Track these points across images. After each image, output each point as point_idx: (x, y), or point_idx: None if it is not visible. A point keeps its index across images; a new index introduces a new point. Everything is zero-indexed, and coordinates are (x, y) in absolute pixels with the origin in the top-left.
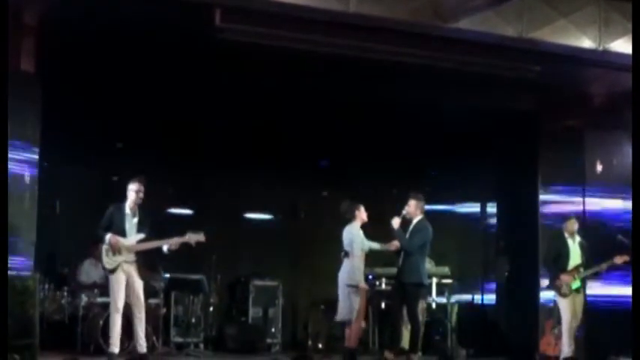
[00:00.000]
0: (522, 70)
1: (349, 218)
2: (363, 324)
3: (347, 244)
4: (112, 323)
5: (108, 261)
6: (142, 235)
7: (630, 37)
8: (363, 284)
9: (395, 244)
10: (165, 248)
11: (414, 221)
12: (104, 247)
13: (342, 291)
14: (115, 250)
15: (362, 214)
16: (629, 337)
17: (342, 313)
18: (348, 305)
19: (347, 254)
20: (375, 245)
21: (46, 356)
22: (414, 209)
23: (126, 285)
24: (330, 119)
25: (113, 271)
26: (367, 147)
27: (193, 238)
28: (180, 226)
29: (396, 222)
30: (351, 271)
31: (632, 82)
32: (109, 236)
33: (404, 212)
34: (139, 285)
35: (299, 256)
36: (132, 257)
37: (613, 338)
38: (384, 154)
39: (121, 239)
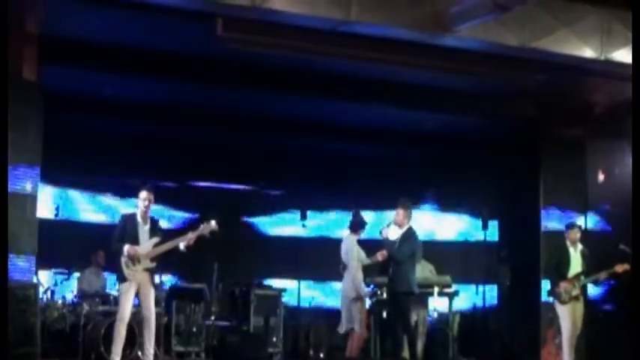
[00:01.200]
0: (524, 79)
1: (352, 229)
2: (364, 333)
3: (344, 256)
4: (116, 332)
5: (129, 272)
6: (156, 239)
7: (631, 46)
8: (363, 291)
9: (383, 253)
10: (182, 246)
11: (403, 230)
12: (122, 259)
13: (343, 303)
14: (135, 260)
15: (360, 232)
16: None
17: (344, 324)
18: (350, 316)
19: (345, 267)
20: (367, 260)
21: None
22: (402, 218)
23: (138, 294)
24: (333, 127)
25: (126, 280)
26: (369, 154)
27: (207, 229)
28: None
29: (385, 232)
30: (351, 283)
31: (632, 84)
32: (126, 247)
33: (392, 221)
34: (151, 294)
35: (301, 265)
36: (150, 264)
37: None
38: (386, 161)
39: (137, 248)
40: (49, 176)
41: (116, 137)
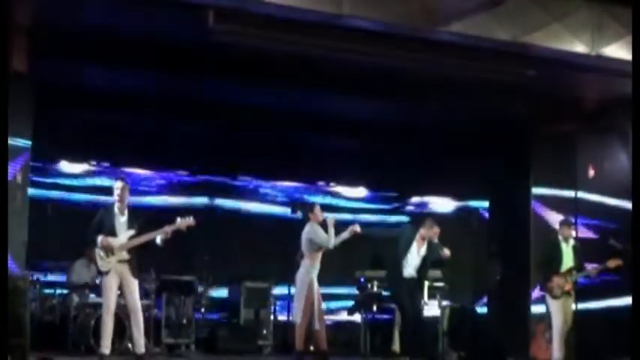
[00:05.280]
0: (515, 74)
1: (305, 219)
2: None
3: (303, 245)
4: (103, 325)
5: (102, 263)
6: (132, 232)
7: (624, 42)
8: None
9: (354, 228)
10: (158, 240)
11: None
12: (97, 250)
13: (300, 293)
14: (108, 251)
15: (316, 215)
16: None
17: (297, 314)
18: (307, 308)
19: (302, 255)
20: (332, 241)
21: (37, 357)
22: (432, 233)
23: (121, 286)
24: (325, 121)
25: (107, 272)
26: (360, 150)
27: (184, 223)
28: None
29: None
30: (304, 271)
31: (632, 85)
32: (100, 238)
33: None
34: (134, 285)
35: (291, 257)
36: (125, 256)
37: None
38: (377, 158)
39: (111, 239)
40: (40, 167)
41: (107, 129)
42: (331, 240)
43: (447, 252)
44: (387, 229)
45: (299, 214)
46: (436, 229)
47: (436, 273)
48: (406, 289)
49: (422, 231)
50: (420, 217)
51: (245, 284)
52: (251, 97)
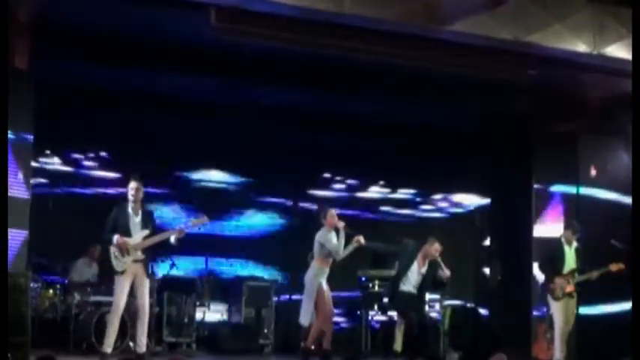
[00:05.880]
0: (517, 74)
1: (321, 223)
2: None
3: (315, 247)
4: (109, 323)
5: (117, 263)
6: (146, 232)
7: (625, 42)
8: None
9: (359, 239)
10: (172, 239)
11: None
12: (112, 249)
13: (309, 294)
14: (124, 250)
15: (330, 220)
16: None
17: (309, 316)
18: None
19: (312, 257)
20: (341, 251)
21: (38, 355)
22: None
23: (132, 285)
24: (327, 119)
25: (122, 272)
26: (359, 148)
27: (197, 222)
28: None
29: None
30: (314, 273)
31: (632, 85)
32: (115, 238)
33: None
34: (145, 285)
35: (293, 256)
36: (140, 255)
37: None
38: (377, 157)
39: (127, 239)
40: (42, 164)
41: (108, 127)
42: (340, 251)
43: (447, 272)
44: (389, 244)
45: (293, 214)
46: (437, 247)
47: None
48: (406, 304)
49: (424, 248)
50: (423, 234)
51: (246, 283)
52: (252, 95)
